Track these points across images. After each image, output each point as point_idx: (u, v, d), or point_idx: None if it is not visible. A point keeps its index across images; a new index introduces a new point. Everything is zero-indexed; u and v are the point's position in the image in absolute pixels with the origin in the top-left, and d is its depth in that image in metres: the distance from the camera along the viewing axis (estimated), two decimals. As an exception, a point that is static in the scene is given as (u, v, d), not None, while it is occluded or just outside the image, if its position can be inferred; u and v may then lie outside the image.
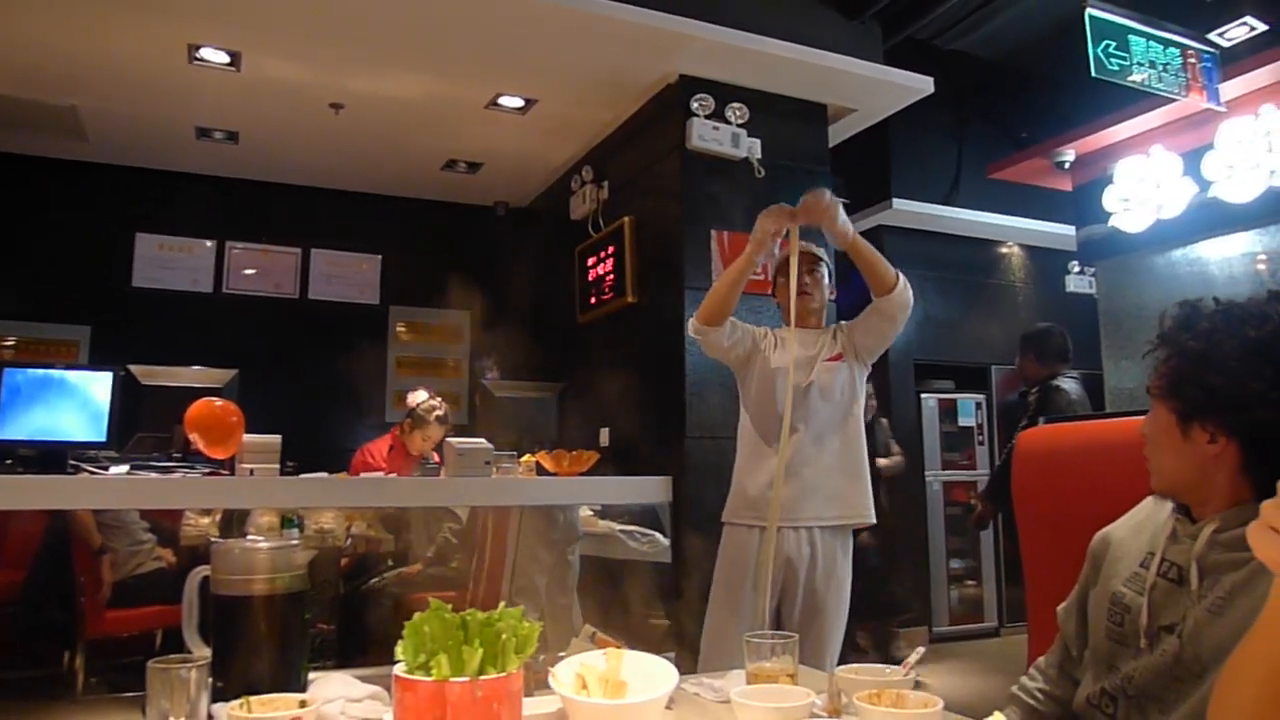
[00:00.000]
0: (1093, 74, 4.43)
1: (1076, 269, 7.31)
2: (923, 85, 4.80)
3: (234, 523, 4.30)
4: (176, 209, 6.12)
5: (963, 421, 7.38)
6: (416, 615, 1.17)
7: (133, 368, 4.51)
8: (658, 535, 4.40)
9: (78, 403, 3.62)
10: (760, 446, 3.06)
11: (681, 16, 4.19)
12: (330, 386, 6.27)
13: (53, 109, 5.11)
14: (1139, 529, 1.53)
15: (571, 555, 4.66)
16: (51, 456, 3.53)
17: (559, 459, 4.06)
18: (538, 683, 1.47)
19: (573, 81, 4.71)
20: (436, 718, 1.10)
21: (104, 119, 5.31)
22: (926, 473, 7.12)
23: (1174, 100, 4.78)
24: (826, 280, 3.23)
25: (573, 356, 5.56)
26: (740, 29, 4.32)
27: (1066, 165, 5.92)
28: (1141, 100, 5.00)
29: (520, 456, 4.15)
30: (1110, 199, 5.50)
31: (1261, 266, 5.04)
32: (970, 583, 7.22)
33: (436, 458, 5.09)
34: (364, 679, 1.54)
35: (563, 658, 1.39)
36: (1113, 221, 5.53)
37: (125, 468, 3.74)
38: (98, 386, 3.67)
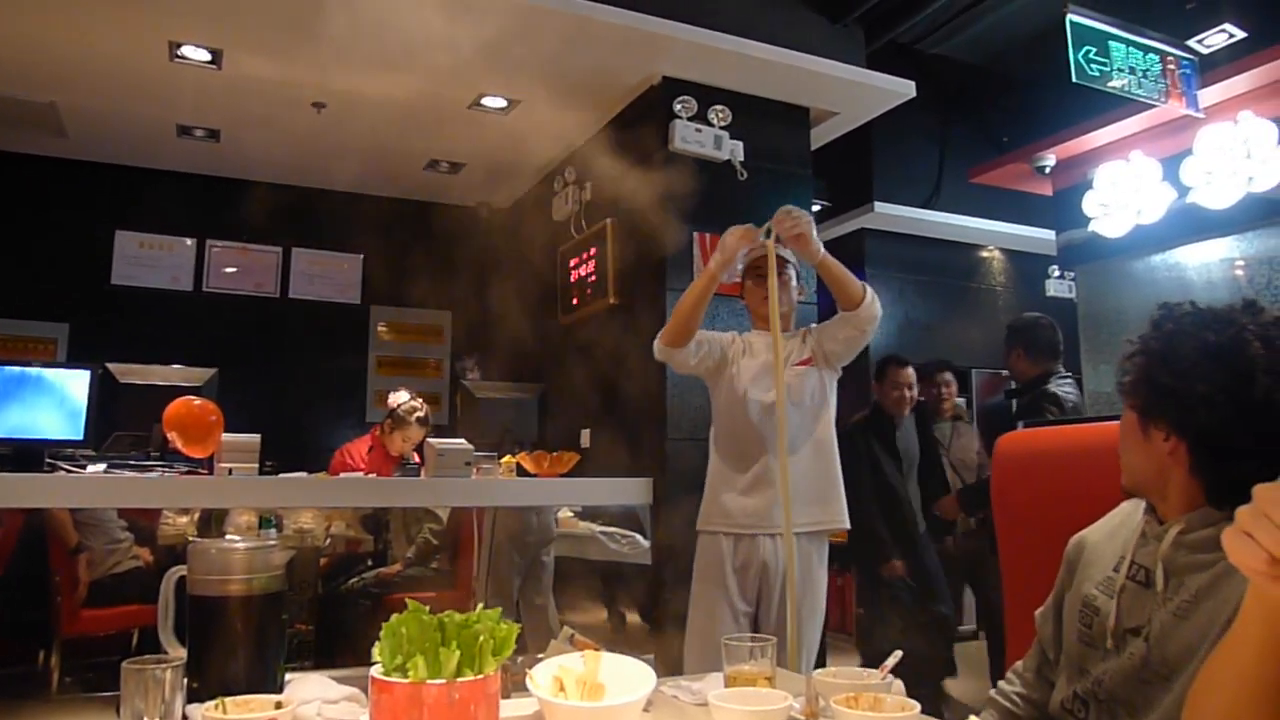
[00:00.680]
0: (1073, 79, 4.45)
1: (1056, 273, 7.34)
2: (904, 89, 4.82)
3: (212, 522, 4.28)
4: (157, 207, 6.08)
5: (943, 425, 7.40)
6: (394, 617, 1.17)
7: (111, 366, 4.48)
8: (638, 537, 4.40)
9: (55, 401, 3.59)
10: (733, 455, 3.06)
11: (664, 19, 4.19)
12: (310, 386, 6.25)
13: (32, 105, 5.07)
14: (1114, 533, 1.54)
15: (546, 556, 4.66)
16: (28, 455, 3.51)
17: (539, 460, 4.05)
18: (515, 685, 1.47)
19: (556, 83, 4.70)
20: (413, 719, 1.10)
21: (84, 116, 5.27)
22: (907, 475, 7.13)
23: (1154, 106, 4.81)
24: (794, 283, 3.21)
25: (554, 358, 5.56)
26: (723, 31, 4.33)
27: (1047, 170, 5.96)
28: (1121, 106, 5.03)
29: (501, 457, 4.15)
30: (1090, 204, 5.54)
31: (1239, 272, 5.09)
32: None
33: (417, 458, 5.07)
34: (341, 680, 1.53)
35: (541, 660, 1.39)
36: (1092, 226, 5.57)
37: (102, 466, 3.72)
38: (75, 384, 3.65)
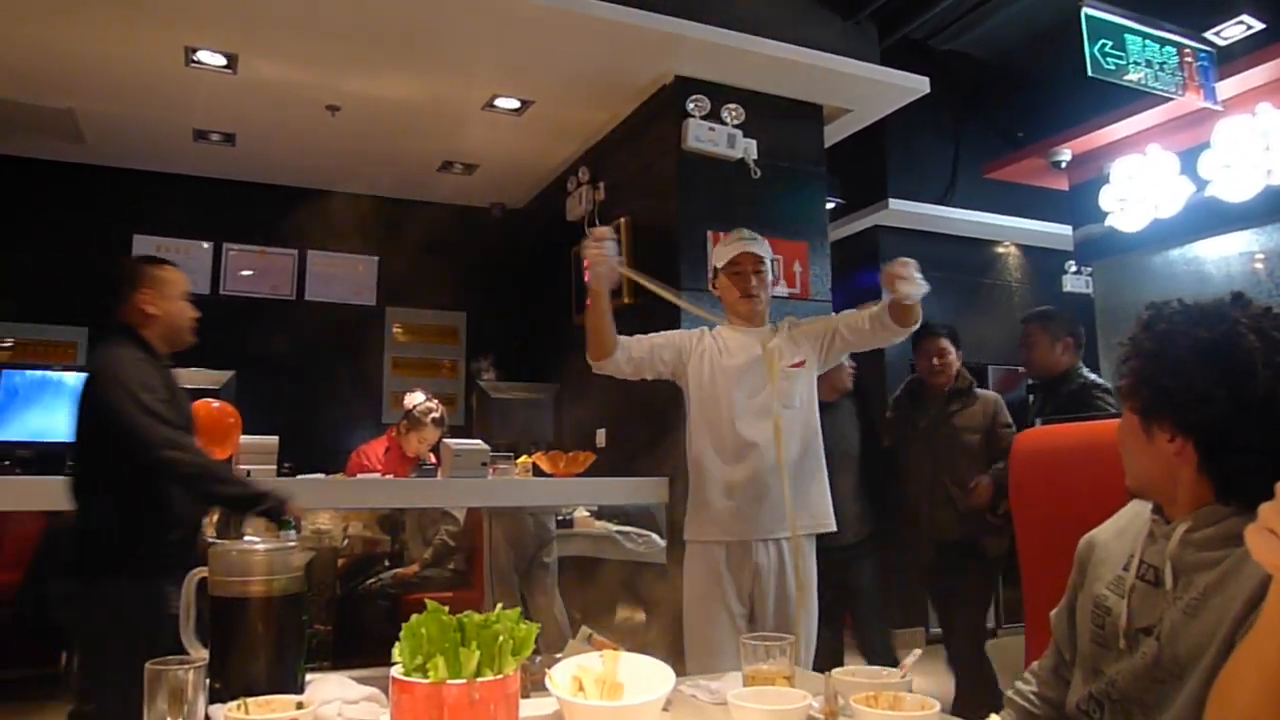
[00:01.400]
0: (1089, 73, 4.43)
1: (1073, 269, 7.31)
2: (918, 85, 4.81)
3: (231, 524, 4.30)
4: (174, 211, 6.11)
5: (960, 422, 7.37)
6: (414, 617, 1.18)
7: (130, 369, 4.50)
8: (654, 536, 4.41)
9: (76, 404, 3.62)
10: (715, 458, 3.00)
11: (677, 17, 4.19)
12: (327, 388, 6.27)
13: (50, 111, 5.10)
14: (1122, 532, 1.54)
15: (548, 558, 4.66)
16: (49, 457, 3.54)
17: (555, 460, 4.06)
18: (534, 684, 1.48)
19: (569, 83, 4.71)
20: (433, 719, 1.11)
21: (101, 121, 5.31)
22: (924, 472, 7.11)
23: (1170, 99, 4.78)
24: (770, 278, 3.16)
25: (569, 357, 5.55)
26: (736, 29, 4.32)
27: (1063, 165, 5.92)
28: (1138, 99, 5.00)
29: (517, 458, 4.16)
30: (1107, 198, 5.51)
31: (1259, 265, 5.05)
32: (968, 582, 7.19)
33: (433, 459, 5.09)
34: (361, 681, 1.54)
35: (559, 659, 1.39)
36: (1109, 221, 5.53)
37: (122, 469, 3.73)
38: (95, 388, 3.66)
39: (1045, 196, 6.77)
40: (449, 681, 1.11)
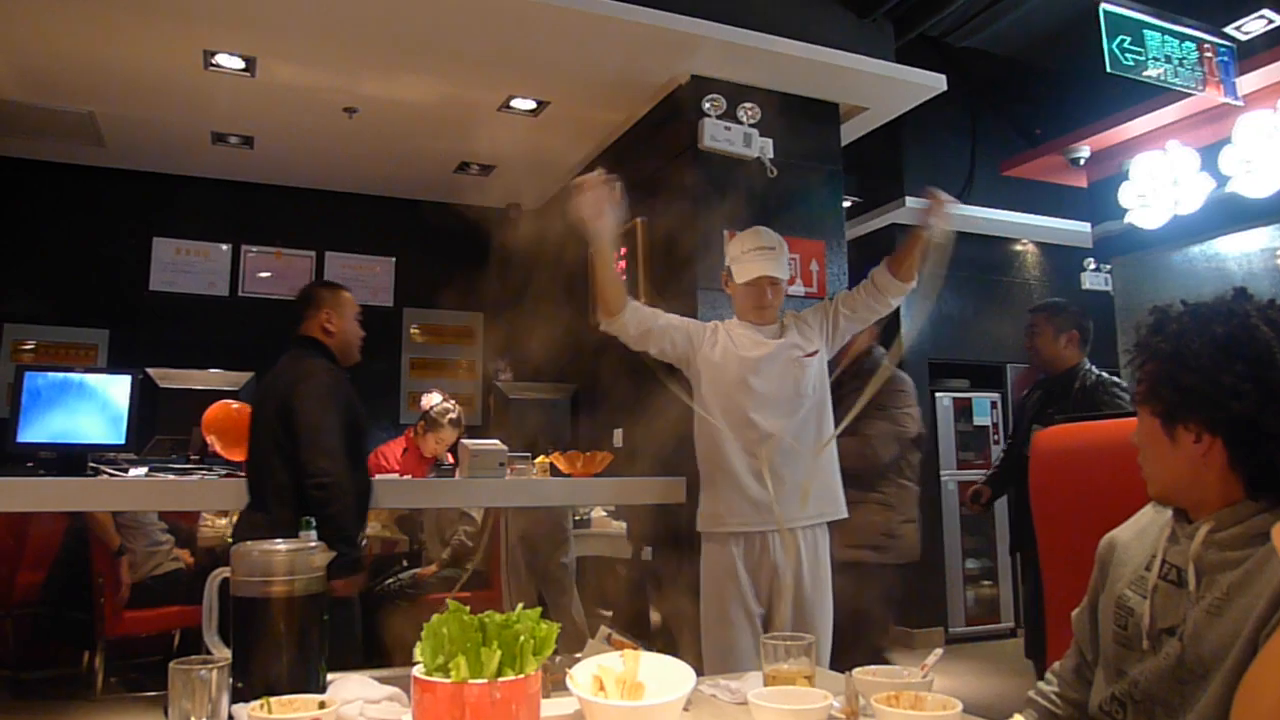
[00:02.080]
0: (1107, 69, 4.40)
1: (1092, 266, 7.26)
2: (935, 83, 4.78)
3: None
4: (193, 213, 6.16)
5: (978, 420, 7.35)
6: (435, 617, 1.18)
7: (150, 371, 4.55)
8: (673, 536, 4.39)
9: (97, 405, 3.65)
10: (731, 448, 2.98)
11: (692, 17, 4.19)
12: (345, 388, 6.29)
13: (71, 115, 5.15)
14: (1143, 532, 1.53)
15: (565, 559, 4.66)
16: (71, 459, 3.57)
17: (573, 460, 4.07)
18: (554, 684, 1.48)
19: (584, 83, 4.71)
20: (455, 719, 1.11)
21: (121, 125, 5.35)
22: (942, 472, 7.10)
23: (1190, 95, 4.75)
24: (785, 287, 3.14)
25: (586, 358, 5.56)
26: (751, 28, 4.31)
27: (1081, 161, 5.89)
28: (1157, 95, 4.96)
29: (534, 458, 4.16)
30: (1126, 195, 5.47)
31: (1280, 262, 5.01)
32: (986, 583, 7.19)
33: (451, 459, 5.10)
34: (382, 680, 1.55)
35: (579, 659, 1.39)
36: (1129, 218, 5.50)
37: (144, 470, 3.77)
38: (116, 389, 3.71)
39: (1063, 193, 6.73)
40: (470, 681, 1.12)
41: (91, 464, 3.65)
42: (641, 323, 3.04)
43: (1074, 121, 5.86)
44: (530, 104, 4.99)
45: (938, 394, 7.20)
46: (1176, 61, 4.60)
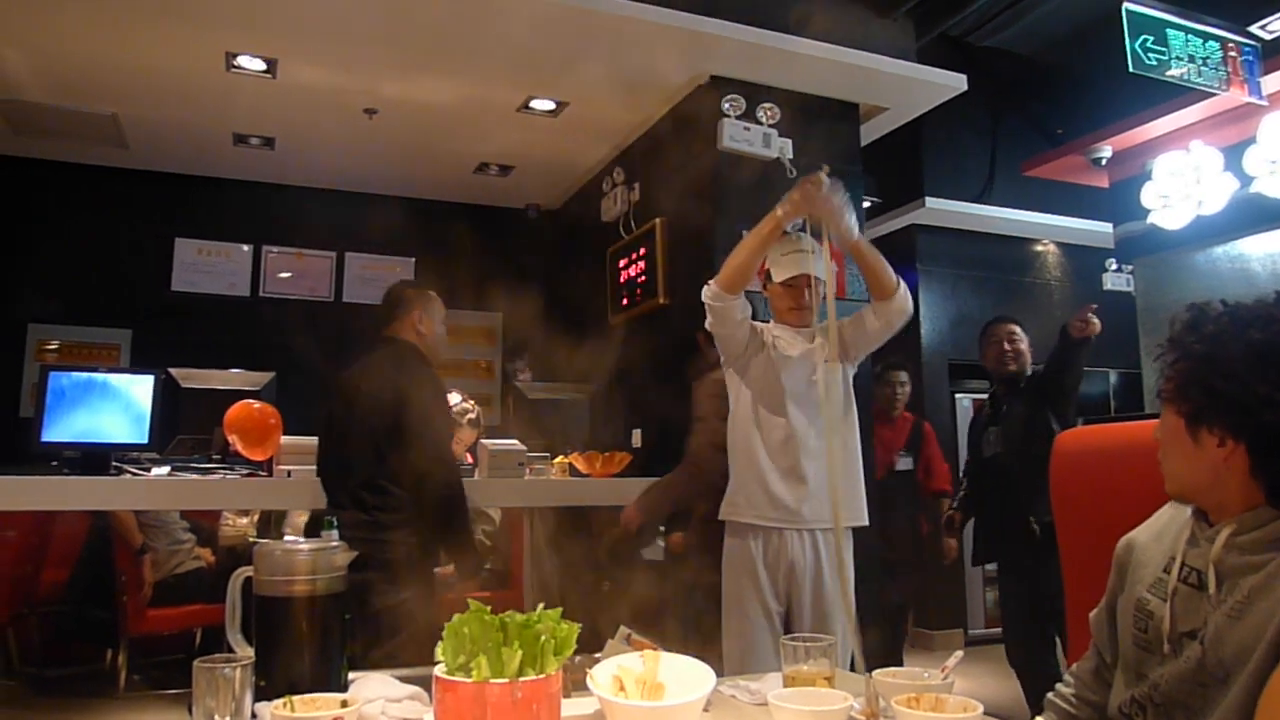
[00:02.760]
0: (1130, 69, 4.37)
1: (1114, 266, 7.21)
2: (956, 83, 4.76)
3: (272, 523, 4.36)
4: (214, 214, 6.21)
5: (998, 421, 7.31)
6: (456, 617, 1.18)
7: (173, 370, 4.57)
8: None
9: (120, 405, 3.68)
10: (761, 445, 2.97)
11: (712, 17, 4.18)
12: (365, 388, 6.31)
13: (94, 117, 5.20)
14: (1161, 534, 1.52)
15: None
16: (95, 458, 3.59)
17: (591, 460, 4.07)
18: (575, 684, 1.48)
19: (603, 84, 4.71)
20: (476, 718, 1.11)
21: (144, 127, 5.39)
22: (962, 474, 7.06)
23: (1214, 95, 4.71)
24: (824, 287, 3.13)
25: (604, 358, 5.57)
26: (771, 29, 4.31)
27: (1103, 162, 5.85)
28: (1180, 95, 4.92)
29: (553, 458, 4.17)
30: (1149, 195, 5.43)
31: (1305, 263, 4.97)
32: (1006, 584, 7.13)
33: (470, 459, 5.12)
34: (403, 679, 1.55)
35: (599, 659, 1.39)
36: (1151, 218, 5.46)
37: (166, 469, 3.80)
38: (139, 389, 3.73)
39: (1085, 194, 6.69)
40: (492, 681, 1.12)
41: (115, 463, 3.68)
42: (745, 310, 3.01)
43: (1096, 121, 5.82)
44: (549, 105, 5.00)
45: (957, 395, 7.17)
46: (1200, 61, 4.56)
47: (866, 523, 3.06)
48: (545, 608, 1.22)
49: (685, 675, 1.33)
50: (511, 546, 4.87)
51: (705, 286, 3.01)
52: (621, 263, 5.24)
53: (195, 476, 3.71)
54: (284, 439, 3.78)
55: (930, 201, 6.80)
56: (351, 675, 1.58)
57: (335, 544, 1.58)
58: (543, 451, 4.25)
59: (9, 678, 4.43)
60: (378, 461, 3.07)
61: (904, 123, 5.19)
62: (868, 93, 4.79)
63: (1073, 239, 7.57)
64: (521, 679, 1.13)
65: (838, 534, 2.84)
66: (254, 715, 1.35)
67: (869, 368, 4.49)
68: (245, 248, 6.37)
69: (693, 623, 3.26)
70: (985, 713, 1.28)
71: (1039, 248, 7.72)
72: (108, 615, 4.41)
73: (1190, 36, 4.54)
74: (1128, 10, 4.39)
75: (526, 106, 5.01)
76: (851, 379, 3.10)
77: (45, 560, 4.57)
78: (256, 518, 4.80)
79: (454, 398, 5.37)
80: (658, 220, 4.85)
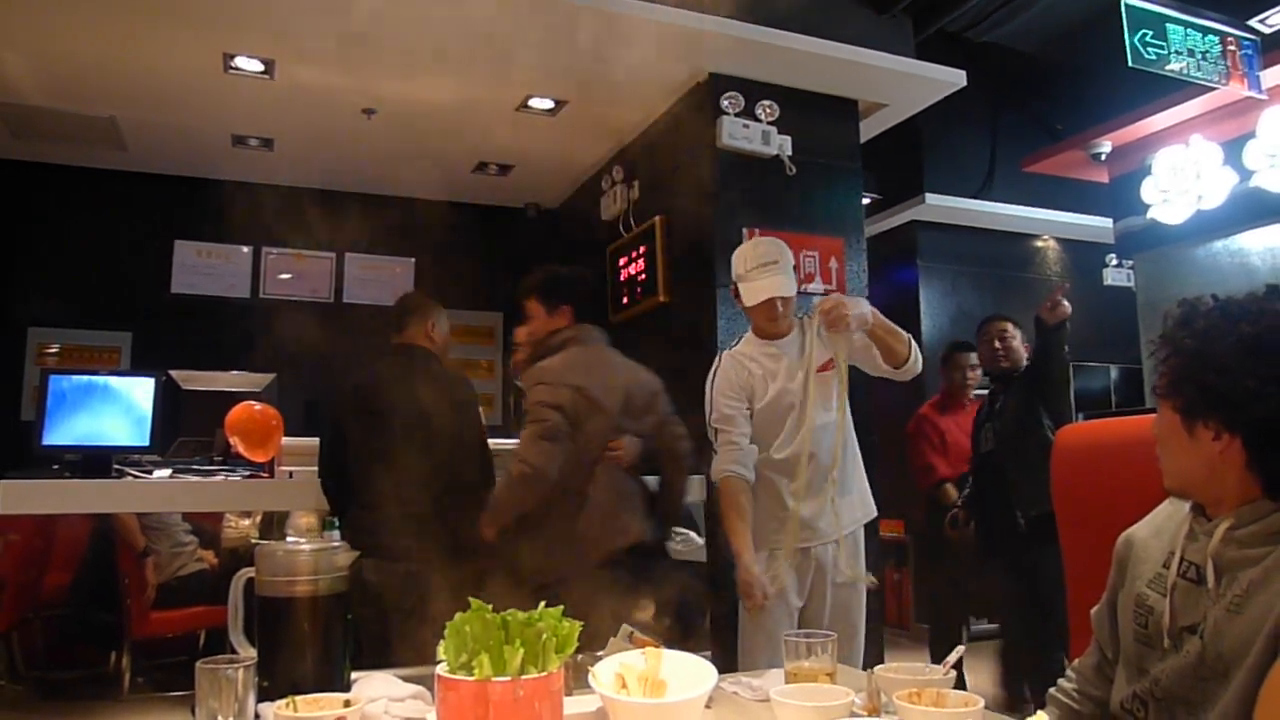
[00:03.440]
0: (1129, 63, 4.37)
1: (1114, 262, 7.21)
2: (955, 79, 4.76)
3: (274, 524, 4.36)
4: (213, 216, 6.19)
5: (999, 417, 7.30)
6: (458, 615, 1.19)
7: (174, 373, 4.58)
8: (692, 534, 4.40)
9: (121, 408, 3.68)
10: (768, 472, 2.99)
11: (711, 15, 4.18)
12: (366, 389, 6.32)
13: (92, 120, 5.20)
14: (1160, 529, 1.52)
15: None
16: (97, 461, 3.59)
17: (593, 459, 4.05)
18: (578, 682, 1.48)
19: (602, 82, 4.71)
20: (479, 717, 1.11)
21: (142, 129, 5.39)
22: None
23: (1213, 89, 4.70)
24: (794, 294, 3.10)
25: (606, 357, 5.57)
26: (769, 26, 4.31)
27: (1103, 157, 5.85)
28: (1180, 89, 4.92)
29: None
30: (1149, 190, 5.43)
31: (1305, 256, 4.96)
32: (1009, 580, 7.13)
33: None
34: (406, 679, 1.55)
35: (601, 657, 1.39)
36: (1151, 213, 5.46)
37: (168, 471, 3.80)
38: (140, 392, 3.73)
39: (1085, 189, 6.69)
40: (494, 679, 1.12)
41: (116, 466, 3.68)
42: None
43: (1095, 116, 5.82)
44: (548, 103, 5.00)
45: (958, 391, 7.15)
46: (1199, 55, 4.56)
47: (875, 515, 3.11)
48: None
49: (687, 672, 1.33)
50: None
51: (713, 477, 3.05)
52: (621, 261, 5.24)
53: (197, 479, 3.71)
54: (285, 440, 3.78)
55: (930, 198, 6.80)
56: (355, 675, 1.58)
57: (337, 544, 1.58)
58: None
59: (13, 682, 4.43)
60: (394, 464, 3.06)
61: (903, 119, 5.19)
62: (867, 89, 4.78)
63: (1073, 234, 7.56)
64: (523, 677, 1.13)
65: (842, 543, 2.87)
66: (257, 716, 1.35)
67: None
68: (245, 249, 6.37)
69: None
70: (986, 708, 1.29)
71: (1039, 243, 7.72)
72: (111, 618, 4.40)
73: (1189, 31, 4.53)
74: (1127, 5, 4.38)
75: (525, 105, 5.01)
76: (846, 376, 3.08)
77: (48, 564, 4.56)
78: (259, 519, 4.80)
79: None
80: (657, 218, 4.85)
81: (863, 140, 4.99)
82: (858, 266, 4.68)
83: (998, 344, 4.39)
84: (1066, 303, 3.93)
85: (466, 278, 6.42)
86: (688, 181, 4.66)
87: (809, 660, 1.54)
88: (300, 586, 1.51)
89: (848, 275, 4.60)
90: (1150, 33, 4.41)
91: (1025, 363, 4.32)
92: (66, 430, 3.62)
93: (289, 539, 1.59)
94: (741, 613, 3.05)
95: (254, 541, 3.42)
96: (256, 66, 4.54)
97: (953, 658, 1.55)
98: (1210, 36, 4.59)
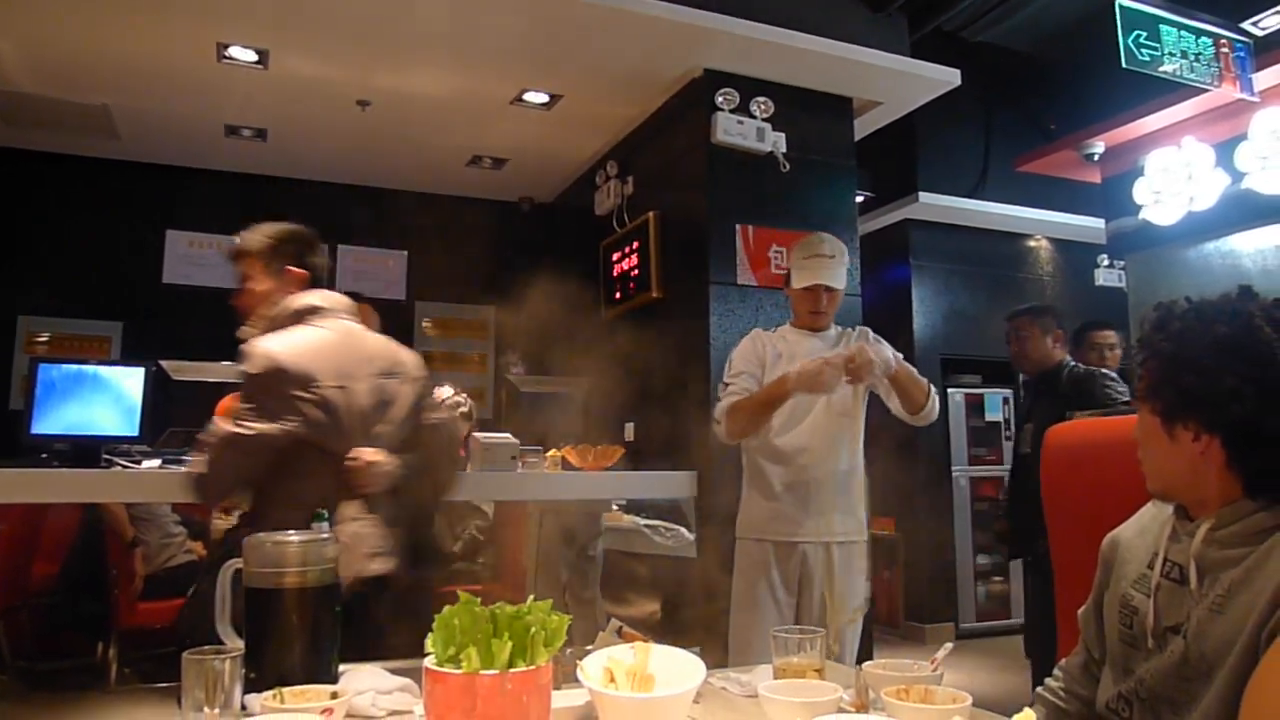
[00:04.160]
0: (1123, 65, 4.38)
1: (1106, 262, 7.23)
2: (949, 78, 4.77)
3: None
4: (206, 206, 6.17)
5: (990, 416, 7.33)
6: (446, 608, 1.19)
7: (164, 363, 4.56)
8: (682, 530, 4.40)
9: (111, 398, 3.67)
10: (768, 459, 3.02)
11: (706, 10, 4.18)
12: (357, 381, 6.31)
13: (85, 108, 5.17)
14: (1144, 530, 1.53)
15: (593, 551, 4.67)
16: (85, 451, 3.58)
17: (584, 454, 4.07)
18: (566, 676, 1.48)
19: (597, 77, 4.71)
20: (466, 710, 1.11)
21: (135, 117, 5.37)
22: (953, 468, 7.09)
23: (1206, 91, 4.71)
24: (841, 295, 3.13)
25: (597, 351, 5.56)
26: (765, 22, 4.31)
27: (1095, 157, 5.86)
28: (1173, 91, 4.93)
29: (546, 451, 4.16)
30: (1141, 191, 5.44)
31: (1296, 258, 4.98)
32: (997, 579, 7.17)
33: (462, 453, 5.10)
34: (394, 671, 1.55)
35: (590, 652, 1.39)
36: (1143, 214, 5.47)
37: (157, 462, 3.78)
38: (130, 382, 3.72)
39: (1077, 189, 6.71)
40: (482, 672, 1.12)
41: (105, 456, 3.66)
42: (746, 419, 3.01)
43: (1089, 117, 5.83)
44: (543, 97, 4.99)
45: (949, 390, 7.18)
46: (1192, 57, 4.57)
47: (865, 539, 3.07)
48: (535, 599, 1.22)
49: (675, 667, 1.33)
50: (505, 540, 4.86)
51: (715, 423, 3.05)
52: (615, 256, 5.24)
53: (187, 469, 3.68)
54: (276, 431, 3.75)
55: (924, 196, 6.81)
56: (342, 667, 1.58)
57: (325, 536, 1.58)
58: (535, 444, 4.24)
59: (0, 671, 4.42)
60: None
61: (898, 117, 5.19)
62: (861, 87, 4.79)
63: (1065, 234, 7.58)
64: (511, 670, 1.13)
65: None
66: (244, 707, 1.35)
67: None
68: (237, 240, 6.34)
69: None
70: (974, 705, 1.29)
71: (1032, 243, 7.74)
72: (99, 609, 4.39)
73: (1183, 32, 4.55)
74: (1120, 6, 4.39)
75: (520, 99, 5.00)
76: (865, 392, 3.09)
77: (36, 553, 4.55)
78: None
79: (445, 390, 5.37)
80: (651, 214, 4.85)
81: (857, 138, 4.99)
82: (851, 264, 4.67)
83: (1012, 345, 4.31)
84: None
85: (460, 271, 6.41)
86: (682, 177, 4.66)
87: (797, 656, 1.54)
88: (288, 578, 1.51)
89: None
90: (1144, 34, 4.42)
91: (1052, 364, 4.19)
92: (55, 419, 3.60)
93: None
94: (734, 608, 3.06)
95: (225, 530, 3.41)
96: (250, 56, 4.53)
97: (941, 654, 1.55)
98: (1203, 39, 4.60)
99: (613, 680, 1.31)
